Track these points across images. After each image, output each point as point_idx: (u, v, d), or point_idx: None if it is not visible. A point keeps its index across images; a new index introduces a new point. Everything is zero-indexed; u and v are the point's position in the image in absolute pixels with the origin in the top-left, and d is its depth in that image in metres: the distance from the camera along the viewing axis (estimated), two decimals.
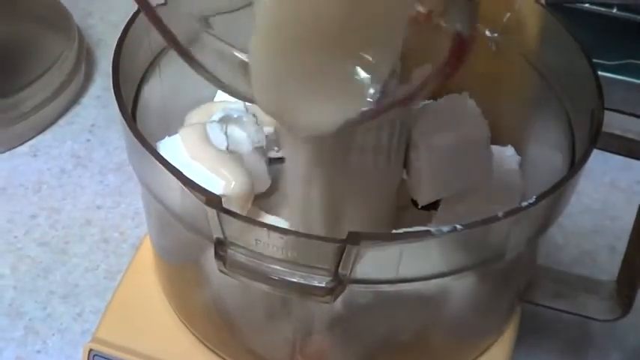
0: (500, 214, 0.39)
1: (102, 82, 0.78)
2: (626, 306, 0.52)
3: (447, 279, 0.41)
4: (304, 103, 0.38)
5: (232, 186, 0.45)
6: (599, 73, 0.73)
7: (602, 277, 0.54)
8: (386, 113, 0.38)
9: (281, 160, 0.56)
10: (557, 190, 0.41)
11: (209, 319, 0.49)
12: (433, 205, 0.52)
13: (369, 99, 0.37)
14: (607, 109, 0.45)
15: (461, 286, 0.44)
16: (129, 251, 0.63)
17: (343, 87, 0.38)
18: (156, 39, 0.50)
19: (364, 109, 0.38)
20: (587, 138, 0.44)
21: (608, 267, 0.53)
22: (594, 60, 0.73)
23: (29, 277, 0.62)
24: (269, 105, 0.39)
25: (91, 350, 0.51)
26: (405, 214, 0.54)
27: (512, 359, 0.53)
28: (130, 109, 0.47)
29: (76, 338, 0.59)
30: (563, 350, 0.60)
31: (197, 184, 0.39)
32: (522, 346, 0.57)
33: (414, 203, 0.52)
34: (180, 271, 0.50)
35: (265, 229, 0.37)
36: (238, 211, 0.44)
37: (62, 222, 0.66)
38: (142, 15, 0.48)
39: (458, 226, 0.38)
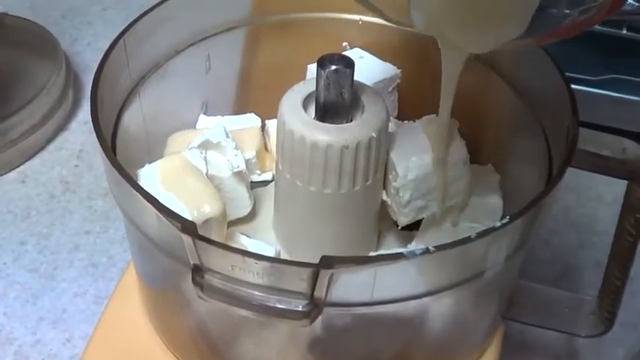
0: (473, 235, 0.39)
1: (89, 108, 0.78)
2: (608, 321, 0.52)
3: (424, 299, 0.41)
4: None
5: (207, 212, 0.45)
6: (584, 88, 0.74)
7: (588, 293, 0.54)
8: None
9: (263, 183, 0.56)
10: (532, 209, 0.42)
11: (192, 343, 0.50)
12: (415, 225, 0.53)
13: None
14: (583, 125, 0.45)
15: (440, 306, 0.45)
16: (117, 276, 0.63)
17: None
18: (135, 67, 0.51)
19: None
20: (563, 155, 0.44)
21: (595, 282, 0.53)
22: (579, 76, 0.73)
23: (19, 303, 0.63)
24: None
25: None
26: (387, 235, 0.54)
27: None
28: (110, 136, 0.48)
29: None
30: None
31: (173, 212, 0.39)
32: None
33: (397, 224, 0.52)
34: (163, 297, 0.50)
35: (240, 255, 0.38)
36: (214, 236, 0.44)
37: (51, 248, 0.66)
38: (120, 43, 0.48)
39: (431, 248, 0.38)
